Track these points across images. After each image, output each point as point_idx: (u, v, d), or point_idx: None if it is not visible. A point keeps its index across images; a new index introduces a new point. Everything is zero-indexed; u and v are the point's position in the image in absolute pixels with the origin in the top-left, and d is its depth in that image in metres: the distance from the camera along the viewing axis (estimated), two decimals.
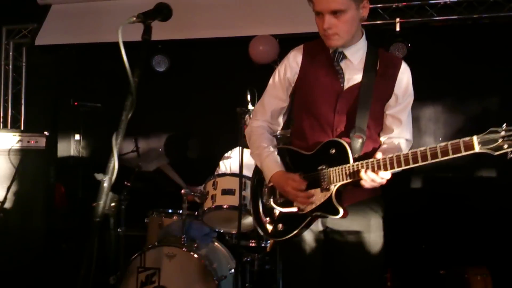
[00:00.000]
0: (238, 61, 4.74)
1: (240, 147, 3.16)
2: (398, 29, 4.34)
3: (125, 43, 1.45)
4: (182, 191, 3.40)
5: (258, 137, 2.19)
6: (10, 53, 5.32)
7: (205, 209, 3.29)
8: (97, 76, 5.14)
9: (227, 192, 3.26)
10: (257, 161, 2.20)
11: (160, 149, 5.05)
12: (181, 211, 3.46)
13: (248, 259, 3.52)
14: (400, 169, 1.79)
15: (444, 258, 4.15)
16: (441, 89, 4.44)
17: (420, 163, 1.73)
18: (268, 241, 3.40)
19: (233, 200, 3.23)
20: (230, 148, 3.94)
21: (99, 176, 1.35)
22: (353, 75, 2.04)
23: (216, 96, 4.84)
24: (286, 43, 4.25)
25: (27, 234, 3.88)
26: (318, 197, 1.98)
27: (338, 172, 1.92)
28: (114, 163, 1.37)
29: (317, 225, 2.08)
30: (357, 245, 2.06)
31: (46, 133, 4.01)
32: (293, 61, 2.13)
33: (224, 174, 3.42)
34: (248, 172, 3.48)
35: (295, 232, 2.03)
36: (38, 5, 5.16)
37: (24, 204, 3.89)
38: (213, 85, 4.94)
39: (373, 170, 1.81)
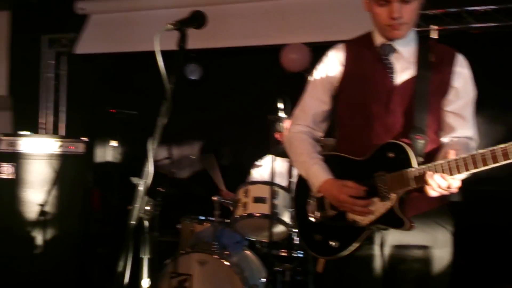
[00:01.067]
0: (270, 70, 4.76)
1: (271, 155, 3.17)
2: (436, 36, 4.26)
3: (160, 52, 1.48)
4: (214, 198, 3.43)
5: (300, 144, 2.00)
6: (51, 62, 5.49)
7: (237, 216, 3.31)
8: (134, 84, 5.25)
9: (258, 200, 3.27)
10: (300, 169, 2.01)
11: (192, 156, 5.11)
12: (213, 218, 3.49)
13: (280, 269, 3.46)
14: (470, 172, 1.57)
15: (485, 275, 4.02)
16: (480, 99, 4.32)
17: (501, 163, 1.51)
18: (301, 252, 3.38)
19: (265, 208, 3.24)
20: (262, 156, 3.96)
21: (135, 180, 1.38)
22: (405, 69, 1.86)
23: (248, 104, 4.88)
24: (317, 51, 4.25)
25: (65, 237, 3.97)
26: (377, 207, 1.76)
27: (400, 178, 1.70)
28: (150, 167, 1.40)
29: (376, 240, 1.85)
30: (422, 262, 1.83)
31: (84, 139, 4.11)
32: (335, 60, 1.97)
33: (256, 182, 3.44)
34: (279, 180, 3.51)
35: (351, 248, 1.81)
36: (77, 14, 5.32)
37: (63, 208, 4.00)
38: (245, 94, 4.98)
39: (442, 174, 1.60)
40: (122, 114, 4.74)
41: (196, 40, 4.84)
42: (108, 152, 5.12)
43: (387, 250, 1.85)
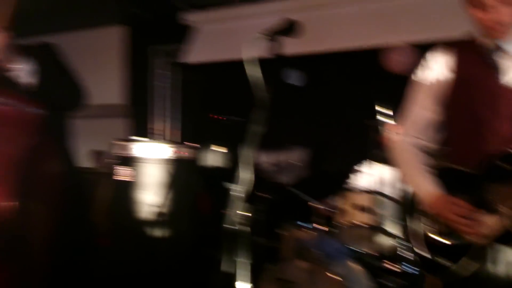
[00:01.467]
0: (371, 72, 4.63)
1: (372, 161, 3.08)
2: None
3: (261, 59, 1.50)
4: (315, 205, 3.40)
5: (406, 155, 1.96)
6: (163, 71, 5.84)
7: (339, 225, 3.26)
8: (239, 90, 5.40)
9: (362, 209, 3.19)
10: (409, 183, 1.97)
11: (294, 162, 5.12)
12: (315, 225, 3.47)
13: (386, 282, 3.34)
14: None
15: None
16: None
17: None
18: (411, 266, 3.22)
19: (369, 218, 3.14)
20: (363, 162, 3.86)
21: (231, 186, 1.42)
22: None
23: (349, 109, 4.79)
24: (422, 51, 4.05)
25: (175, 238, 4.18)
26: (490, 223, 1.68)
27: None
28: (247, 174, 1.42)
29: (489, 258, 1.75)
30: None
31: (195, 145, 4.30)
32: (440, 64, 1.90)
33: (358, 189, 3.35)
34: (385, 188, 3.39)
35: (466, 267, 1.73)
36: (183, 25, 5.60)
37: (174, 210, 4.21)
38: (345, 97, 4.90)
39: None
40: (229, 121, 4.90)
41: (297, 45, 4.87)
42: (217, 157, 5.31)
43: (500, 269, 1.74)
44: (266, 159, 5.05)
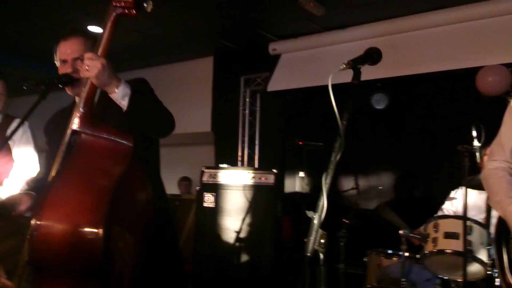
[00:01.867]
0: (462, 95, 4.46)
1: (465, 187, 2.94)
2: None
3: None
4: (400, 232, 3.31)
5: (496, 181, 1.87)
6: (247, 100, 6.00)
7: (426, 252, 3.13)
8: (320, 116, 5.44)
9: (450, 235, 3.05)
10: (497, 209, 1.90)
11: (380, 187, 5.01)
12: (401, 253, 3.36)
13: None
14: None
15: None
16: None
17: None
18: None
19: (457, 245, 3.00)
20: (454, 188, 3.70)
21: (309, 214, 1.44)
22: None
23: (438, 133, 4.63)
24: None
25: (257, 263, 4.23)
26: None
27: None
28: (323, 201, 1.45)
29: None
30: None
31: (274, 170, 4.37)
32: None
33: (447, 216, 3.22)
34: (475, 214, 3.22)
35: None
36: (270, 55, 5.76)
37: (255, 235, 4.27)
38: (434, 121, 4.74)
39: None
40: (309, 146, 4.93)
41: (382, 69, 4.83)
42: (297, 182, 5.34)
43: None
44: (352, 184, 5.01)
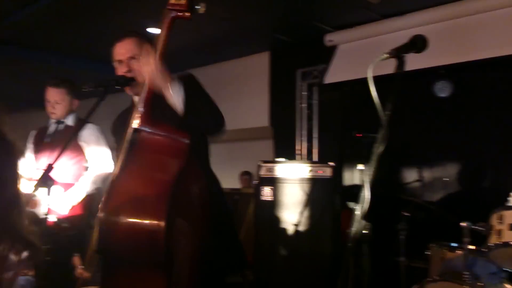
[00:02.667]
0: None
1: None
2: None
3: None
4: (463, 224, 3.18)
5: None
6: (304, 93, 5.98)
7: (491, 245, 3.00)
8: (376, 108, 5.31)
9: None
10: None
11: (445, 179, 4.83)
12: (466, 246, 3.23)
13: None
14: None
15: None
16: None
17: None
18: None
19: None
20: None
21: (351, 205, 1.43)
22: None
23: (506, 121, 4.39)
24: None
25: (316, 255, 4.23)
26: None
27: None
28: (366, 193, 1.43)
29: None
30: None
31: (331, 163, 4.33)
32: None
33: None
34: None
35: None
36: (326, 47, 5.70)
37: (314, 228, 4.27)
38: (502, 109, 4.49)
39: None
40: (368, 138, 4.83)
41: (445, 56, 4.65)
42: (356, 175, 5.26)
43: None
44: (415, 176, 4.87)
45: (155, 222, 1.58)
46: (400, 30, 5.06)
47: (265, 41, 6.20)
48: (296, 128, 5.94)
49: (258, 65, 6.50)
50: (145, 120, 1.85)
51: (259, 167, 4.61)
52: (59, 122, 3.49)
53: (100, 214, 1.64)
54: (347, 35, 5.56)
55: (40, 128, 3.60)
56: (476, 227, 3.15)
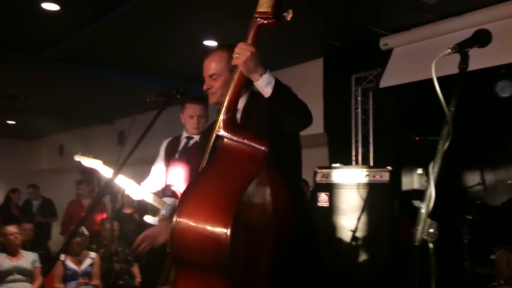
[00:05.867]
0: None
1: None
2: None
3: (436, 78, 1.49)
4: None
5: None
6: (359, 98, 5.93)
7: None
8: (437, 110, 5.18)
9: None
10: None
11: (509, 181, 4.64)
12: None
13: None
14: None
15: None
16: None
17: None
18: None
19: None
20: None
21: (416, 203, 1.42)
22: None
23: None
24: None
25: (375, 262, 4.17)
26: None
27: None
28: (431, 190, 1.42)
29: None
30: None
31: (389, 167, 4.27)
32: None
33: None
34: None
35: None
36: (381, 51, 5.64)
37: (372, 234, 4.21)
38: None
39: None
40: (427, 141, 4.73)
41: (505, 54, 4.50)
42: (415, 179, 5.14)
43: None
44: (478, 179, 4.72)
45: (221, 229, 1.62)
46: (457, 30, 4.95)
47: (318, 48, 6.21)
48: (352, 134, 5.89)
49: (312, 72, 6.51)
50: (227, 126, 1.89)
51: (315, 173, 4.61)
52: (189, 138, 3.56)
53: (174, 217, 1.70)
54: (402, 38, 5.48)
55: (172, 139, 3.69)
56: None
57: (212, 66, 2.22)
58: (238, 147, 1.86)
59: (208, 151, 1.95)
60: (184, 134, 3.59)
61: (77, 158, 3.53)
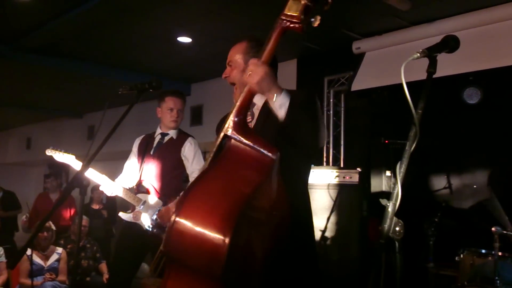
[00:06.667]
0: None
1: None
2: None
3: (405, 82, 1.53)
4: (493, 229, 3.15)
5: None
6: (331, 100, 5.99)
7: None
8: (407, 114, 5.28)
9: None
10: None
11: (475, 186, 4.78)
12: (496, 252, 3.20)
13: None
14: None
15: None
16: None
17: None
18: None
19: None
20: None
21: (383, 201, 1.46)
22: None
23: None
24: None
25: (343, 262, 4.23)
26: None
27: None
28: (398, 189, 1.45)
29: None
30: None
31: (359, 169, 4.34)
32: None
33: None
34: None
35: None
36: (354, 54, 5.72)
37: (341, 234, 4.28)
38: None
39: None
40: (396, 144, 4.83)
41: (474, 62, 4.62)
42: (384, 182, 5.23)
43: None
44: (444, 183, 4.83)
45: (220, 236, 1.56)
46: (428, 37, 5.05)
47: (292, 49, 6.26)
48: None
49: (286, 73, 6.54)
50: (237, 127, 1.80)
51: None
52: (163, 134, 3.55)
53: (173, 216, 1.63)
54: (375, 42, 5.57)
55: (145, 136, 3.67)
56: (508, 233, 3.13)
57: (231, 53, 2.21)
58: (246, 151, 1.77)
59: (214, 150, 1.86)
60: (159, 131, 3.57)
61: (49, 152, 3.47)
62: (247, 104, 1.86)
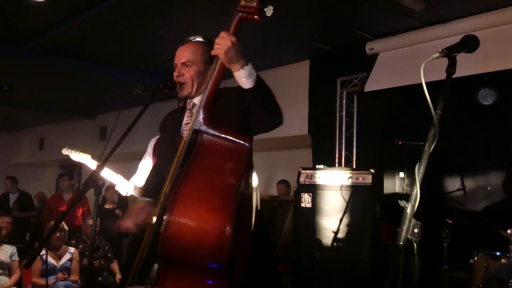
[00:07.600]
0: None
1: None
2: None
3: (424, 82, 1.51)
4: (508, 231, 3.12)
5: None
6: (344, 101, 5.96)
7: None
8: (421, 115, 5.24)
9: None
10: None
11: (488, 188, 4.73)
12: (508, 254, 3.17)
13: None
14: None
15: None
16: None
17: None
18: None
19: None
20: None
21: (402, 203, 1.44)
22: None
23: None
24: None
25: (355, 263, 4.19)
26: None
27: None
28: (417, 191, 1.44)
29: None
30: None
31: (371, 170, 4.31)
32: None
33: None
34: None
35: None
36: (367, 55, 5.69)
37: (353, 236, 4.24)
38: None
39: None
40: (409, 146, 4.79)
41: (489, 63, 4.57)
42: (397, 183, 5.20)
43: None
44: (458, 185, 4.79)
45: (221, 229, 1.57)
46: (442, 37, 5.01)
47: (305, 50, 6.24)
48: (336, 136, 5.92)
49: (298, 74, 6.53)
50: (206, 121, 1.81)
51: (299, 173, 4.63)
52: None
53: (165, 217, 1.61)
54: (388, 43, 5.54)
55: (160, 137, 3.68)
56: None
57: (186, 53, 2.22)
58: (220, 143, 1.79)
59: (185, 147, 1.85)
60: None
61: (65, 151, 3.49)
62: (214, 96, 1.88)
